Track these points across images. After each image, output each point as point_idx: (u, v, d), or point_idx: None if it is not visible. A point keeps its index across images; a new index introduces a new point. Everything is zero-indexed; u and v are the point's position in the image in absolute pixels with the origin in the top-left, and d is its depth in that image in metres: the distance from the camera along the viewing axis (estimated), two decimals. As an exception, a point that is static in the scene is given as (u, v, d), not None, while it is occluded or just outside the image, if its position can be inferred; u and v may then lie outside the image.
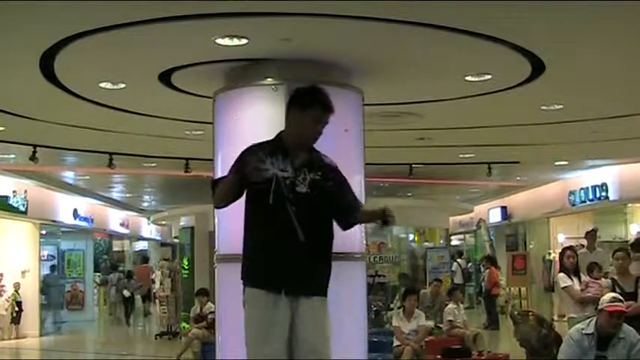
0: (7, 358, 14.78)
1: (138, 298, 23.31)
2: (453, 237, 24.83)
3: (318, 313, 4.15)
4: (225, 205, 4.36)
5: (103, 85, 7.91)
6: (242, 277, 4.22)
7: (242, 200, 4.29)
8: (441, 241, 19.61)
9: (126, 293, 22.45)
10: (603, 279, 8.39)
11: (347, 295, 6.40)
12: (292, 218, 4.05)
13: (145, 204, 25.69)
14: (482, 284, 18.54)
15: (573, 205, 17.56)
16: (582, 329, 6.05)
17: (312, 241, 4.11)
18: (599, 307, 6.12)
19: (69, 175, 17.68)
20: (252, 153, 4.20)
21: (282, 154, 4.15)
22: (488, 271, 18.53)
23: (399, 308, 11.09)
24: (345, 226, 4.32)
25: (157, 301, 18.51)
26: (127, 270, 25.43)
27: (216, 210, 6.85)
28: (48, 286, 19.32)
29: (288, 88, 6.45)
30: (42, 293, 18.35)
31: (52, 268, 20.47)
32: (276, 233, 4.07)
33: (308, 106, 4.15)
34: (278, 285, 4.05)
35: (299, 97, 4.24)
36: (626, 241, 16.66)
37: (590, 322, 6.13)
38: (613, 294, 6.39)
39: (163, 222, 22.97)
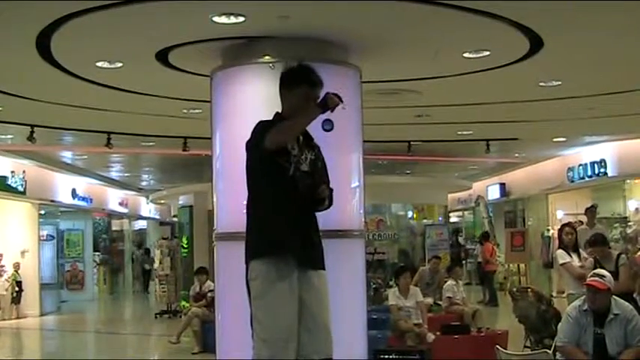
0: (8, 337, 14.83)
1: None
2: (451, 214, 24.85)
3: (325, 285, 4.22)
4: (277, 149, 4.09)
5: (100, 64, 7.87)
6: (251, 250, 4.16)
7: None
8: (440, 218, 19.65)
9: (146, 267, 25.44)
10: (589, 259, 8.34)
11: (346, 272, 6.42)
12: (302, 195, 4.11)
13: (144, 183, 25.68)
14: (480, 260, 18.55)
15: (572, 181, 17.56)
16: (579, 305, 6.06)
17: (314, 217, 4.23)
18: None
19: (67, 155, 17.66)
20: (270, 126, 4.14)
21: None
22: (481, 247, 18.56)
23: (391, 287, 11.06)
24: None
25: (156, 279, 18.59)
26: (145, 248, 27.61)
27: (215, 188, 6.87)
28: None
29: (286, 65, 6.42)
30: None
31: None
32: (294, 207, 4.12)
33: (296, 85, 4.22)
34: (297, 256, 4.07)
35: (286, 77, 4.31)
36: (625, 217, 16.75)
37: (585, 298, 6.14)
38: (597, 270, 6.40)
39: (162, 201, 22.97)
